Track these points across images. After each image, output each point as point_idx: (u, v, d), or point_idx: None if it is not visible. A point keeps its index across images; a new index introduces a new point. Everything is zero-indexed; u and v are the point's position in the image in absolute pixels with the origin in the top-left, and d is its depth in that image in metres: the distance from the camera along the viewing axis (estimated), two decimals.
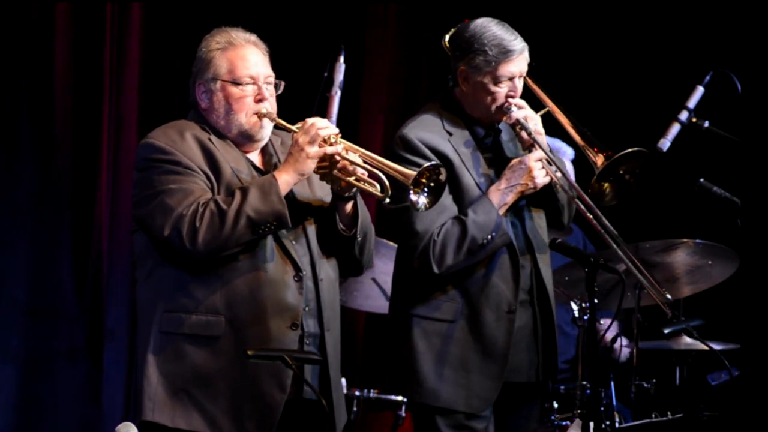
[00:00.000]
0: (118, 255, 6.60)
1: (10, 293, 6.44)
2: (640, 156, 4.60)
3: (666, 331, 4.77)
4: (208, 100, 4.31)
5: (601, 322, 6.02)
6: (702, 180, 5.04)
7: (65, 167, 6.54)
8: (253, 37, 4.36)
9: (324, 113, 5.78)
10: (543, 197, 4.69)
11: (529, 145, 4.61)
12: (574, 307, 5.90)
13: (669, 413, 5.48)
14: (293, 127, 4.26)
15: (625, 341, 6.45)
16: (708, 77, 4.95)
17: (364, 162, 4.22)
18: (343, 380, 5.56)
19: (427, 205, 4.21)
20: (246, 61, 4.30)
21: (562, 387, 6.00)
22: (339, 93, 5.83)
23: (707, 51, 6.70)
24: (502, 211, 4.57)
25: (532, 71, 4.68)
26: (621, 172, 4.63)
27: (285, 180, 4.18)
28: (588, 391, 5.58)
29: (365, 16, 7.42)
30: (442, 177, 4.20)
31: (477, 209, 4.55)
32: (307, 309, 4.23)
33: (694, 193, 5.03)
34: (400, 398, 6.13)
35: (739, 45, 6.00)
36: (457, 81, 4.65)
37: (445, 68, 4.72)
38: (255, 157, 4.36)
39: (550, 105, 4.72)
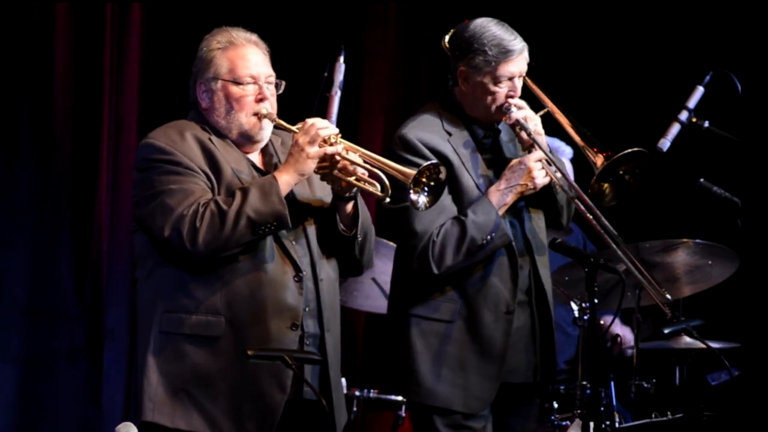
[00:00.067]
0: (118, 255, 6.60)
1: (10, 293, 6.45)
2: (640, 156, 4.60)
3: (666, 331, 4.77)
4: (209, 100, 4.31)
5: (602, 322, 6.03)
6: (702, 180, 5.04)
7: (65, 167, 6.54)
8: (254, 37, 4.36)
9: (324, 113, 5.78)
10: (542, 198, 4.69)
11: (529, 146, 4.61)
12: (574, 307, 5.90)
13: (669, 413, 5.48)
14: (293, 128, 4.26)
15: (628, 334, 6.44)
16: (708, 77, 4.95)
17: (364, 162, 4.22)
18: (343, 380, 5.57)
19: (427, 205, 4.21)
20: (247, 61, 4.30)
21: (562, 387, 6.00)
22: (339, 93, 5.83)
23: (707, 51, 6.70)
24: (501, 212, 4.57)
25: (532, 71, 4.68)
26: (621, 172, 4.63)
27: (285, 180, 4.18)
28: (588, 391, 5.58)
29: (365, 16, 7.43)
30: (442, 176, 4.20)
31: (476, 210, 4.55)
32: (307, 309, 4.23)
33: (694, 193, 5.03)
34: (400, 398, 6.14)
35: (739, 45, 6.00)
36: (457, 81, 4.65)
37: (445, 68, 4.71)
38: (255, 157, 4.36)
39: (550, 105, 4.72)
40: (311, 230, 4.29)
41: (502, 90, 4.60)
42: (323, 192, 4.34)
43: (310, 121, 4.22)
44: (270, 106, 4.31)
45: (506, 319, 4.59)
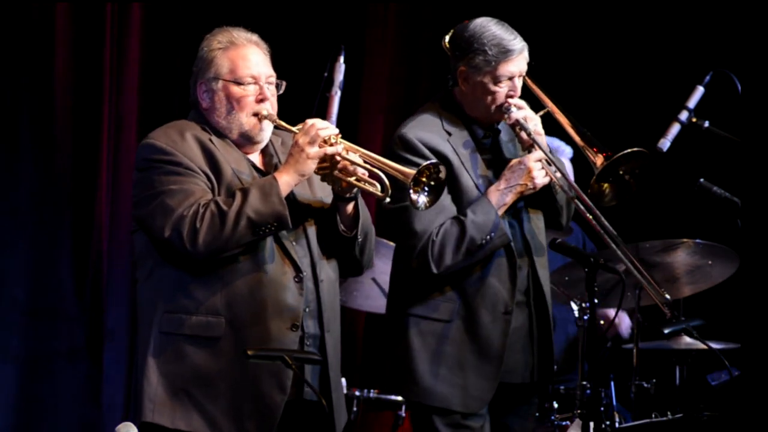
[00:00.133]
0: (118, 255, 6.61)
1: (10, 293, 6.45)
2: (640, 156, 4.60)
3: (666, 331, 4.77)
4: (210, 100, 4.31)
5: (602, 322, 6.04)
6: (702, 180, 5.04)
7: (65, 167, 6.54)
8: (255, 37, 4.36)
9: (324, 113, 5.78)
10: (542, 198, 4.69)
11: (529, 146, 4.60)
12: (574, 307, 5.90)
13: (669, 413, 5.48)
14: (294, 129, 4.26)
15: (625, 317, 6.44)
16: (708, 77, 4.95)
17: (364, 162, 4.22)
18: (343, 380, 5.57)
19: (428, 204, 4.21)
20: (248, 61, 4.29)
21: (562, 387, 6.01)
22: (339, 93, 5.83)
23: (707, 51, 6.70)
24: (501, 212, 4.56)
25: (532, 71, 4.67)
26: (621, 172, 4.62)
27: (285, 181, 4.17)
28: (588, 391, 5.58)
29: (365, 16, 7.43)
30: (442, 175, 4.20)
31: (476, 209, 4.55)
32: (307, 310, 4.23)
33: (694, 193, 5.03)
34: (399, 398, 6.14)
35: (739, 45, 6.00)
36: (457, 81, 4.65)
37: (445, 68, 4.71)
38: (255, 157, 4.36)
39: (550, 105, 4.72)
40: (311, 231, 4.29)
41: (502, 90, 4.60)
42: (323, 192, 4.34)
43: (310, 121, 4.22)
44: (270, 107, 4.31)
45: (504, 320, 4.59)
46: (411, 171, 4.16)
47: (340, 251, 4.34)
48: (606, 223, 4.56)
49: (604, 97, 7.17)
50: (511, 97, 4.61)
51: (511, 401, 4.68)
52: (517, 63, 4.60)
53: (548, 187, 4.65)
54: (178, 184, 4.15)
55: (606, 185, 4.65)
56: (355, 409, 6.17)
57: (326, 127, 4.20)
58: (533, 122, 4.61)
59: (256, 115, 4.29)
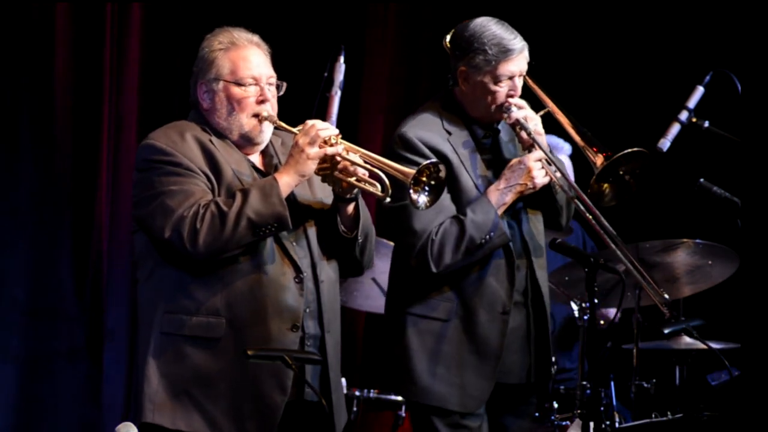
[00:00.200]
0: (118, 255, 6.60)
1: (10, 293, 6.45)
2: (640, 156, 4.60)
3: (666, 331, 4.77)
4: (210, 101, 4.31)
5: (602, 322, 6.04)
6: (702, 180, 5.04)
7: (65, 167, 6.54)
8: (256, 38, 4.36)
9: (324, 113, 5.78)
10: (542, 197, 4.69)
11: (529, 146, 4.60)
12: (574, 307, 5.90)
13: (669, 413, 5.48)
14: (294, 129, 4.26)
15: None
16: (708, 77, 4.95)
17: (365, 162, 4.22)
18: (343, 380, 5.57)
19: (428, 204, 4.21)
20: (248, 62, 4.29)
21: (562, 387, 6.01)
22: (339, 93, 5.83)
23: (707, 51, 6.70)
24: (500, 211, 4.56)
25: (532, 71, 4.67)
26: (621, 172, 4.62)
27: (286, 182, 4.18)
28: (588, 391, 5.58)
29: (365, 16, 7.43)
30: (442, 174, 4.20)
31: (475, 209, 4.55)
32: (307, 310, 4.23)
33: (694, 193, 5.03)
34: (399, 398, 6.14)
35: (739, 45, 5.99)
36: (457, 81, 4.65)
37: (445, 68, 4.71)
38: (256, 158, 4.36)
39: (550, 105, 4.72)
40: (312, 231, 4.29)
41: (502, 89, 4.60)
42: (324, 193, 4.34)
43: (310, 122, 4.22)
44: (271, 108, 4.31)
45: (502, 320, 4.59)
46: (411, 170, 4.16)
47: (341, 252, 4.34)
48: (606, 223, 4.56)
49: (604, 97, 7.17)
50: (512, 96, 4.61)
51: (508, 401, 4.68)
52: (518, 62, 4.60)
53: (548, 187, 4.65)
54: (179, 184, 4.15)
55: (606, 185, 4.64)
56: (355, 409, 6.17)
57: (326, 128, 4.20)
58: (533, 122, 4.61)
59: (256, 116, 4.29)
